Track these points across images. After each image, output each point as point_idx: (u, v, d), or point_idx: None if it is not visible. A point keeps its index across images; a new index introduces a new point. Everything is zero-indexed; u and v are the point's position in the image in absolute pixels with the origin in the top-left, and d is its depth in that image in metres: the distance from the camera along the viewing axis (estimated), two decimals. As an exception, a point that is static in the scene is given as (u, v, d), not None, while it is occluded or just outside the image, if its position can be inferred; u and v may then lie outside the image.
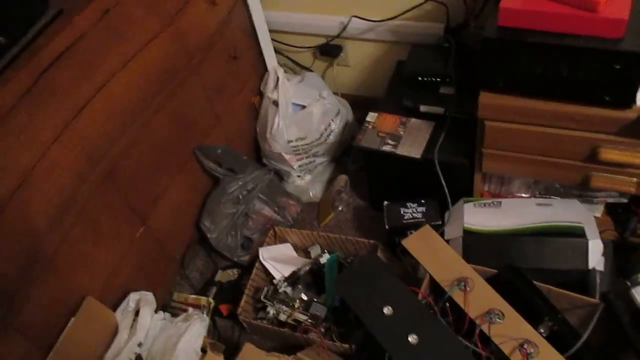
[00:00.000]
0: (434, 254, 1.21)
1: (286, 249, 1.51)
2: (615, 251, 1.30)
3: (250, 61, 1.67)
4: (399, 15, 1.56)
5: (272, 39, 1.68)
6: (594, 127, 1.10)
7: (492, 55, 1.09)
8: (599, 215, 1.38)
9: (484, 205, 1.34)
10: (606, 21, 0.97)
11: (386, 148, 1.40)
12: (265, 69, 1.70)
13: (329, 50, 1.76)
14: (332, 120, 1.64)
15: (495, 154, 1.25)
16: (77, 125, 1.12)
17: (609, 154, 1.11)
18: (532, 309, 1.11)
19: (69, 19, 1.06)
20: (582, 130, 1.11)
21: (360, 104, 1.74)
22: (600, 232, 1.28)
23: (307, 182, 1.70)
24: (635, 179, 1.15)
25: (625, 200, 1.32)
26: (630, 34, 0.98)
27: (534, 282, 1.16)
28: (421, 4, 1.50)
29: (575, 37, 1.00)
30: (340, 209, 1.65)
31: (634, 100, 1.03)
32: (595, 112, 1.07)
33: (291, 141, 1.60)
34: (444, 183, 1.34)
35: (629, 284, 1.06)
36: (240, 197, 1.54)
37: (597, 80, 1.03)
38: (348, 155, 1.77)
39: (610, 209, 1.38)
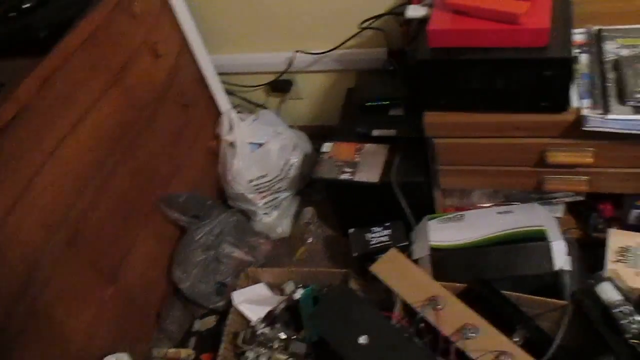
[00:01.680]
0: (403, 276, 1.21)
1: (260, 289, 1.51)
2: (582, 249, 1.32)
3: (203, 106, 1.68)
4: (340, 45, 1.59)
5: (222, 82, 1.70)
6: (538, 133, 1.12)
7: (428, 76, 1.12)
8: (560, 215, 1.40)
9: (448, 220, 1.35)
10: (529, 32, 1.00)
11: (344, 176, 1.42)
12: (219, 113, 1.71)
13: (280, 86, 1.78)
14: (291, 154, 1.66)
15: (450, 170, 1.27)
16: (31, 195, 1.11)
17: (557, 157, 1.14)
18: (505, 319, 1.12)
19: (11, 91, 1.06)
20: (528, 137, 1.14)
21: (318, 134, 1.76)
22: (564, 232, 1.31)
23: (274, 218, 1.70)
24: (586, 177, 1.18)
25: (582, 198, 1.35)
26: (554, 40, 1.02)
27: (503, 292, 1.17)
28: (359, 32, 1.53)
29: (503, 50, 1.03)
30: (310, 241, 1.66)
31: (568, 103, 1.06)
32: (536, 118, 1.10)
33: (252, 180, 1.61)
34: (404, 204, 1.35)
35: (592, 281, 1.07)
36: (209, 242, 1.54)
37: (531, 89, 1.06)
38: (311, 186, 1.78)
39: (571, 207, 1.41)
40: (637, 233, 1.19)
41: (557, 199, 1.37)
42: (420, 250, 1.32)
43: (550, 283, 1.20)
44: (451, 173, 1.28)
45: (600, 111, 1.03)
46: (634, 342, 0.96)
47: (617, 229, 1.24)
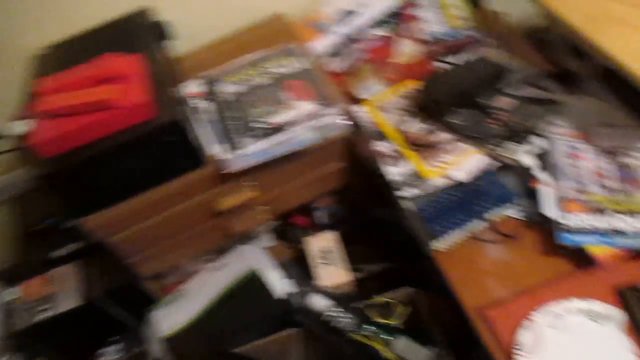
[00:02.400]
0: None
1: None
2: (301, 264, 1.37)
3: None
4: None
5: None
6: (195, 192, 1.12)
7: (62, 185, 1.04)
8: (272, 243, 1.45)
9: (171, 301, 1.29)
10: (130, 111, 0.99)
11: (46, 315, 1.25)
12: None
13: None
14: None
15: (142, 258, 1.21)
16: None
17: (226, 203, 1.16)
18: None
19: None
20: (190, 198, 1.13)
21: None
22: (280, 257, 1.36)
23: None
24: (265, 207, 1.23)
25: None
26: (163, 106, 1.02)
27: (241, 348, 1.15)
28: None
29: (116, 136, 1.00)
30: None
31: (202, 157, 1.08)
32: (184, 181, 1.09)
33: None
34: (117, 312, 1.25)
35: (300, 296, 1.11)
36: None
37: (162, 159, 1.05)
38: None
39: (277, 231, 1.46)
40: (327, 231, 1.29)
41: (258, 232, 1.41)
42: (154, 348, 1.23)
43: (283, 312, 1.23)
44: (144, 260, 1.21)
45: (232, 151, 1.08)
46: (353, 336, 1.02)
47: (314, 233, 1.33)
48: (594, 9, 1.04)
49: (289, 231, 1.41)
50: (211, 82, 1.21)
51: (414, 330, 1.06)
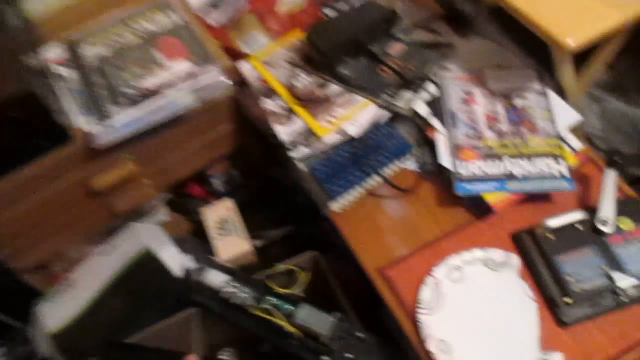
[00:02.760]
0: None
1: None
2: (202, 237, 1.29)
3: None
4: None
5: None
6: (66, 170, 1.00)
7: None
8: (167, 218, 1.35)
9: (58, 293, 1.17)
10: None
11: None
12: None
13: None
14: None
15: (16, 248, 1.08)
16: None
17: (102, 182, 1.04)
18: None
19: None
20: (59, 178, 1.01)
21: None
22: (177, 233, 1.26)
23: None
24: (148, 181, 1.12)
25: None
26: (12, 78, 0.88)
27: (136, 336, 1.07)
28: None
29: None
30: None
31: (66, 132, 0.95)
32: (51, 160, 0.97)
33: None
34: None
35: (197, 273, 1.03)
36: None
37: (19, 137, 0.92)
38: None
39: (172, 205, 1.36)
40: (223, 199, 1.20)
41: (149, 208, 1.30)
42: (42, 342, 1.12)
43: (181, 292, 1.14)
44: (19, 252, 1.08)
45: (102, 122, 0.95)
46: (254, 311, 0.95)
47: (211, 203, 1.24)
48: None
49: (185, 203, 1.31)
50: (74, 45, 1.06)
51: (319, 296, 1.02)
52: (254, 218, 1.20)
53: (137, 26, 1.07)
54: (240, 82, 1.08)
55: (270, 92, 1.06)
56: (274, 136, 1.03)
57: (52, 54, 1.06)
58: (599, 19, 0.86)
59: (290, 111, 1.03)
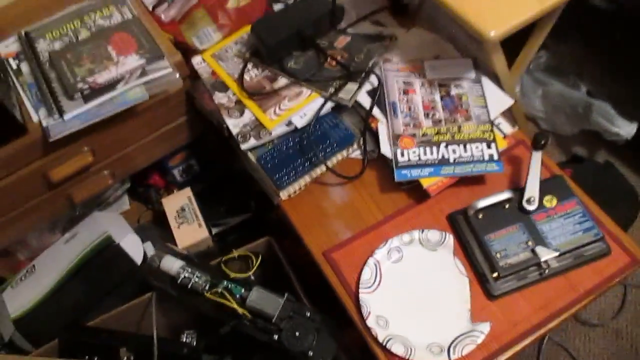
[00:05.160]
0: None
1: None
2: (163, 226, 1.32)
3: None
4: None
5: None
6: (23, 162, 1.03)
7: None
8: (127, 207, 1.39)
9: (21, 280, 1.21)
10: None
11: None
12: None
13: None
14: None
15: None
16: None
17: (61, 172, 1.07)
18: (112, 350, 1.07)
19: None
20: (17, 170, 1.04)
21: None
22: (139, 221, 1.30)
23: None
24: (107, 171, 1.16)
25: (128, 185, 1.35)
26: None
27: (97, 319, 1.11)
28: None
29: None
30: None
31: (21, 125, 0.98)
32: (8, 151, 1.00)
33: None
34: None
35: (155, 259, 1.07)
36: None
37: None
38: None
39: (132, 194, 1.40)
40: (183, 189, 1.24)
41: (110, 197, 1.34)
42: (4, 328, 1.16)
43: (140, 278, 1.18)
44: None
45: (56, 116, 0.99)
46: (210, 296, 1.00)
47: (171, 192, 1.28)
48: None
49: (146, 192, 1.35)
50: (29, 39, 1.09)
51: (273, 279, 1.07)
52: (212, 206, 1.25)
53: (90, 21, 1.10)
54: (192, 76, 1.11)
55: (221, 86, 1.10)
56: (226, 128, 1.07)
57: (6, 47, 1.09)
58: (519, 10, 0.92)
59: (241, 104, 1.07)
